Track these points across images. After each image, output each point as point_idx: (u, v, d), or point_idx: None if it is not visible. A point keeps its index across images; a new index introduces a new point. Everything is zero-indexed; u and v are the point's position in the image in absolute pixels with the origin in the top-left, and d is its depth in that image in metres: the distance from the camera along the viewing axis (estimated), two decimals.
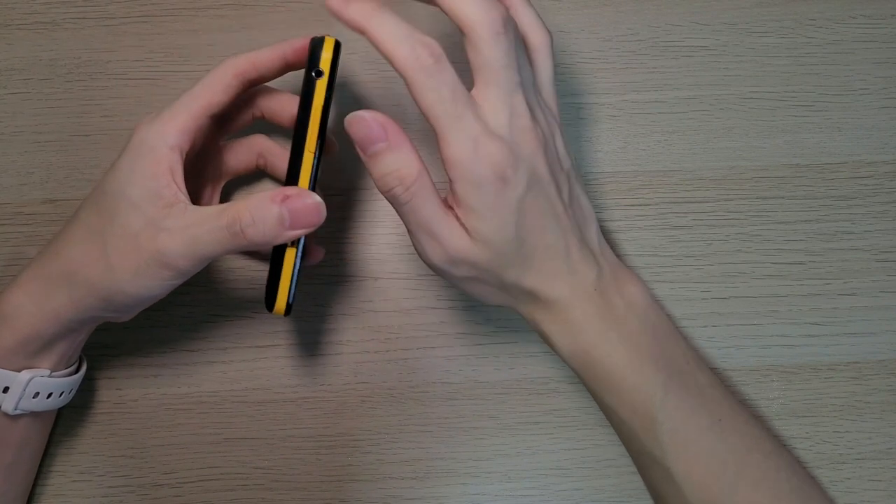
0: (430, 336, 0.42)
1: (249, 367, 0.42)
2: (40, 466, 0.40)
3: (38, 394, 0.35)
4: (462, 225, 0.32)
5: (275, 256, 0.34)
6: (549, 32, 0.35)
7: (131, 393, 0.41)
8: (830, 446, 0.41)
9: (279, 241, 0.32)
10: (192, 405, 0.41)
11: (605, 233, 0.42)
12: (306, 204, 0.32)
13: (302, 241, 0.34)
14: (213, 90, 0.34)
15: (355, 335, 0.42)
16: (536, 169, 0.32)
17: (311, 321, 0.42)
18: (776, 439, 0.36)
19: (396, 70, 0.30)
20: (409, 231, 0.33)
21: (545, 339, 0.35)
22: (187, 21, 0.44)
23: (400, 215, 0.33)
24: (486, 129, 0.30)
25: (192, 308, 0.42)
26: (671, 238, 0.43)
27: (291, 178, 0.33)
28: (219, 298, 0.42)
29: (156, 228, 0.31)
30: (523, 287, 0.34)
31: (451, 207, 0.32)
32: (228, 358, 0.42)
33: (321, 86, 0.33)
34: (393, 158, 0.31)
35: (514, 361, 0.42)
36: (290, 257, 0.34)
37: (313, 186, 0.33)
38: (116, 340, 0.42)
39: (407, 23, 0.30)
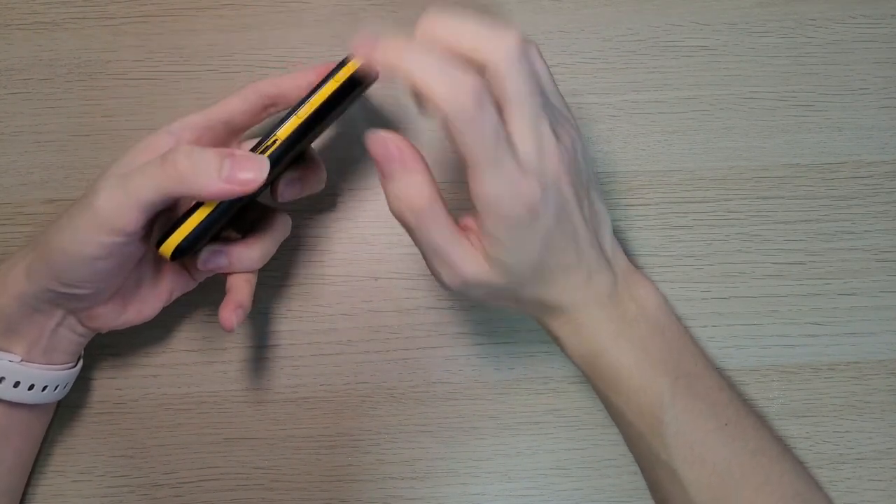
0: (430, 336, 0.42)
1: (249, 367, 0.42)
2: (41, 466, 0.40)
3: (2, 379, 0.34)
4: (481, 249, 0.32)
5: (193, 207, 0.32)
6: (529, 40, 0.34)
7: (131, 393, 0.41)
8: (830, 446, 0.41)
9: (212, 188, 0.30)
10: (192, 405, 0.41)
11: None
12: (249, 158, 0.31)
13: (223, 207, 0.32)
14: (230, 104, 0.35)
15: (355, 335, 0.42)
16: (563, 193, 0.32)
17: (311, 321, 0.42)
18: (783, 443, 0.36)
19: (435, 108, 0.28)
20: (423, 255, 0.33)
21: (555, 341, 0.36)
22: (187, 21, 0.44)
23: (412, 239, 0.33)
24: (520, 168, 0.30)
25: (192, 308, 0.42)
26: (671, 238, 0.43)
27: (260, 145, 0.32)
28: (219, 299, 0.42)
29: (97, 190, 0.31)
30: (540, 301, 0.34)
31: (465, 229, 0.33)
32: (228, 358, 0.42)
33: (344, 72, 0.32)
34: (405, 182, 0.31)
35: (514, 361, 0.42)
36: (206, 208, 0.32)
37: (275, 162, 0.32)
38: (116, 340, 0.42)
39: (442, 56, 0.28)
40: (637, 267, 0.38)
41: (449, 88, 0.28)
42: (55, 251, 0.32)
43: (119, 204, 0.30)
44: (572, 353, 0.35)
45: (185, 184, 0.30)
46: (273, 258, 0.38)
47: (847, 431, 0.41)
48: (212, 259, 0.35)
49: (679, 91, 0.44)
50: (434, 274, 0.33)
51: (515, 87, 0.29)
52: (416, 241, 0.32)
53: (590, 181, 0.34)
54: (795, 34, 0.44)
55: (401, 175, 0.31)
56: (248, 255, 0.35)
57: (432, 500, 0.41)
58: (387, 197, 0.32)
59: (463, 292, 0.33)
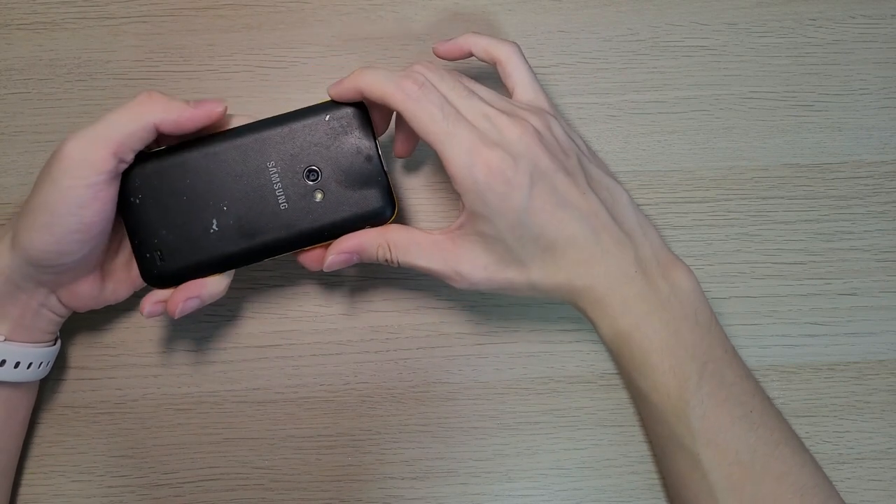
0: (430, 336, 0.42)
1: (249, 367, 0.42)
2: (41, 466, 0.40)
3: None
4: (469, 239, 0.34)
5: None
6: (512, 42, 0.37)
7: (131, 393, 0.41)
8: (830, 446, 0.41)
9: (184, 118, 0.34)
10: (192, 405, 0.41)
11: None
12: (211, 99, 0.35)
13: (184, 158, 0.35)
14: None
15: (355, 335, 0.42)
16: (537, 163, 0.33)
17: (311, 321, 0.42)
18: (799, 437, 0.36)
19: (394, 109, 0.33)
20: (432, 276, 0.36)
21: (590, 323, 0.36)
22: (187, 21, 0.44)
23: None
24: (480, 137, 0.33)
25: None
26: (671, 238, 0.43)
27: None
28: (219, 300, 0.42)
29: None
30: (556, 281, 0.34)
31: (451, 232, 0.35)
32: (228, 358, 0.42)
33: None
34: (365, 255, 0.36)
35: (514, 361, 0.42)
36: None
37: None
38: (116, 340, 0.42)
39: (387, 69, 0.34)
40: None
41: (394, 83, 0.33)
42: (41, 211, 0.32)
43: (88, 142, 0.32)
44: (604, 334, 0.36)
45: (164, 113, 0.33)
46: (273, 259, 0.38)
47: (847, 431, 0.41)
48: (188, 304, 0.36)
49: (679, 91, 0.44)
50: (454, 286, 0.35)
51: (438, 83, 0.34)
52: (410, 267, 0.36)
53: (582, 159, 0.36)
54: (795, 34, 0.44)
55: (356, 256, 0.36)
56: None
57: (432, 500, 0.41)
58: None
59: (478, 289, 0.35)
